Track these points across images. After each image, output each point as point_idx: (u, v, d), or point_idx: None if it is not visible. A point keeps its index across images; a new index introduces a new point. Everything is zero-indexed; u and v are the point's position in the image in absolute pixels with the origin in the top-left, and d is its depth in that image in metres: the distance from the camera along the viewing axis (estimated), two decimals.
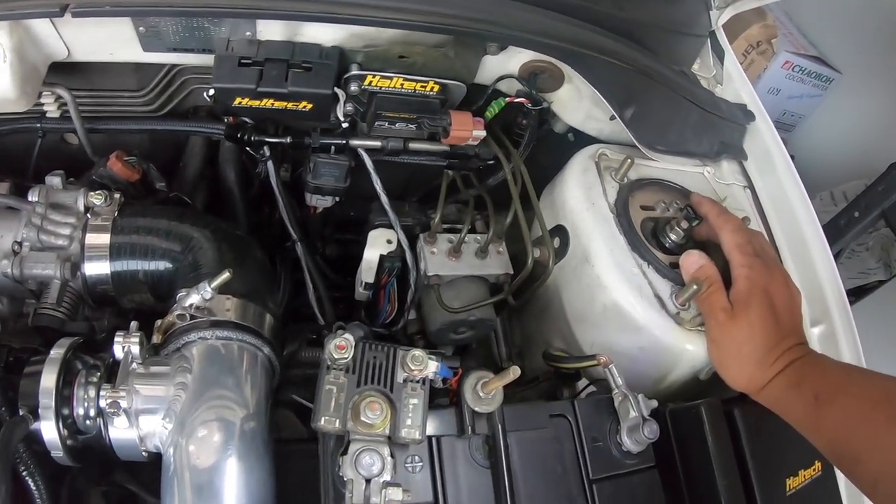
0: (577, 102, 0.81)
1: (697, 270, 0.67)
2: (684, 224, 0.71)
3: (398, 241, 0.78)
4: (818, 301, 0.83)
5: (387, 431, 0.48)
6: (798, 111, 2.11)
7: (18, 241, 0.65)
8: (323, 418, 0.49)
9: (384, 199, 0.77)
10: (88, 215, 0.66)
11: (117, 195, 0.68)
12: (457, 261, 0.77)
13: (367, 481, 0.45)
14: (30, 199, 0.67)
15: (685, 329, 0.66)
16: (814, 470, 0.70)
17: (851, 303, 1.55)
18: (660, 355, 0.67)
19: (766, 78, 2.00)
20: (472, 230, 0.80)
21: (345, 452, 0.46)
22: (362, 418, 0.48)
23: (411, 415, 0.50)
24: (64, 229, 0.66)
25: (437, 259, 0.76)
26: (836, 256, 1.46)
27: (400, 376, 0.52)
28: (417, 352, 0.52)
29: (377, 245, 0.77)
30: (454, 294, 0.75)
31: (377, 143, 0.76)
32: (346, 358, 0.50)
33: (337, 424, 0.49)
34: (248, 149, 0.76)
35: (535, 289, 0.76)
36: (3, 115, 0.72)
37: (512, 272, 0.78)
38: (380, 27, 0.67)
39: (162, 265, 0.65)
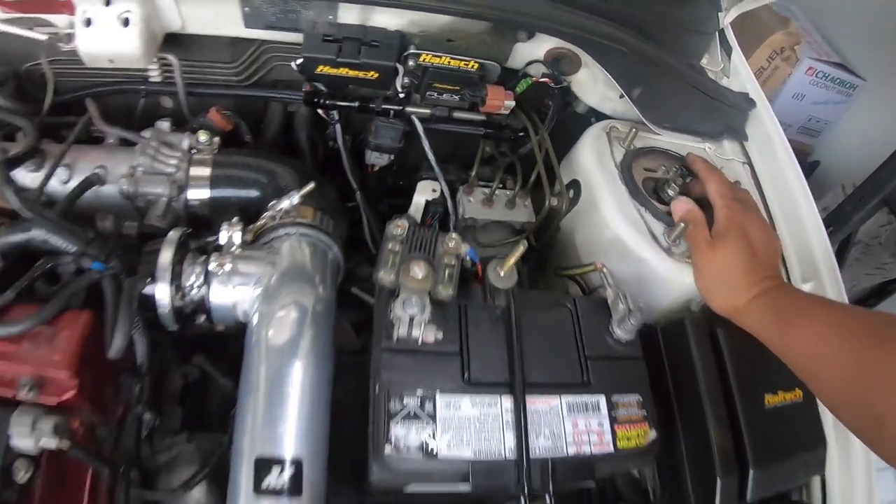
0: (592, 85, 1.00)
1: (685, 213, 0.83)
2: (679, 180, 0.88)
3: (441, 191, 0.96)
4: (809, 260, 0.96)
5: (428, 287, 0.66)
6: (823, 117, 2.24)
7: (134, 165, 0.85)
8: (382, 272, 0.67)
9: (431, 156, 0.96)
10: (193, 152, 0.87)
11: (216, 138, 0.89)
12: (489, 209, 0.95)
13: (411, 320, 0.63)
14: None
15: (675, 260, 0.82)
16: (794, 395, 0.83)
17: (874, 304, 1.67)
18: (654, 283, 0.83)
19: (790, 83, 2.15)
20: (503, 187, 0.98)
21: (395, 298, 0.64)
22: (410, 274, 0.65)
23: (446, 279, 0.68)
24: (172, 160, 0.85)
25: (473, 206, 0.94)
26: (846, 243, 1.57)
27: (440, 251, 0.70)
28: (454, 235, 0.70)
29: (424, 192, 0.96)
30: (486, 235, 0.93)
31: (427, 111, 0.96)
32: (401, 234, 0.68)
33: (392, 277, 0.67)
34: (319, 112, 0.97)
35: (552, 230, 0.94)
36: (112, 73, 0.93)
37: (534, 221, 0.95)
38: (432, 13, 0.88)
39: (252, 193, 0.85)
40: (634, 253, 0.83)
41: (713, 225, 0.80)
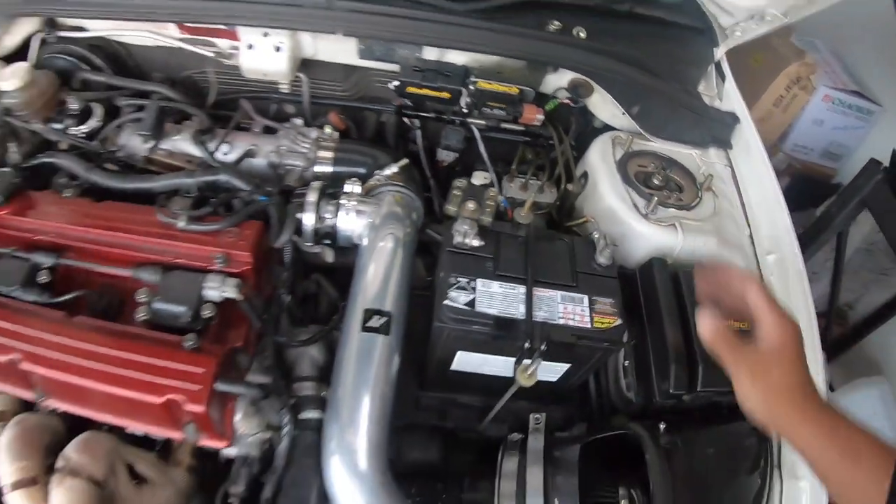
0: (603, 105, 1.38)
1: (713, 338, 0.80)
2: (662, 172, 1.24)
3: (491, 179, 1.35)
4: (775, 238, 1.26)
5: (476, 216, 1.05)
6: (844, 142, 2.47)
7: (278, 146, 1.28)
8: (449, 205, 1.08)
9: (484, 154, 1.35)
10: (319, 140, 1.30)
11: (335, 133, 1.32)
12: (524, 192, 1.33)
13: (464, 236, 1.01)
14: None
15: (649, 223, 1.17)
16: (743, 323, 1.13)
17: (888, 316, 1.90)
18: (634, 239, 1.18)
19: (809, 110, 2.41)
20: (536, 178, 1.37)
21: (456, 220, 1.03)
22: (465, 206, 1.05)
23: (487, 212, 1.08)
24: (306, 144, 1.29)
25: (513, 189, 1.33)
26: (841, 244, 1.78)
27: (485, 199, 1.10)
28: (493, 191, 1.10)
29: (478, 179, 1.35)
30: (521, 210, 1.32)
31: (482, 122, 1.37)
32: (461, 185, 1.08)
33: (454, 209, 1.07)
34: (405, 120, 1.40)
35: (570, 204, 1.31)
36: (254, 83, 1.38)
37: (558, 201, 1.33)
38: (487, 55, 1.30)
39: (360, 169, 1.26)
40: (621, 217, 1.19)
41: (756, 333, 0.78)
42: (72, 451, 0.97)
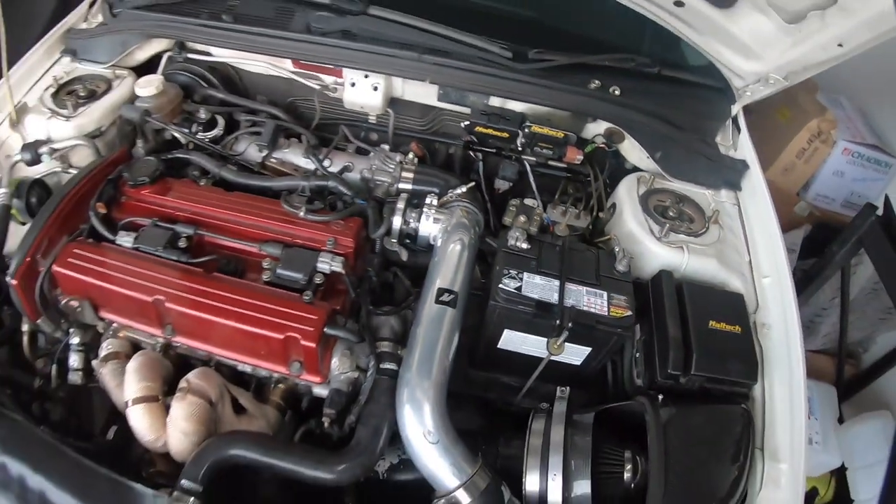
0: (632, 150, 1.72)
1: None
2: (676, 206, 1.56)
3: (538, 205, 1.68)
4: (772, 264, 1.54)
5: (525, 227, 1.40)
6: (863, 192, 2.70)
7: (371, 165, 1.66)
8: (506, 217, 1.44)
9: (534, 185, 1.69)
10: (403, 163, 1.67)
11: (416, 159, 1.69)
12: (564, 217, 1.66)
13: (515, 240, 1.36)
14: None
15: (661, 243, 1.49)
16: (734, 327, 1.41)
17: None
18: (648, 256, 1.49)
19: (829, 162, 2.66)
20: (574, 207, 1.70)
21: (511, 229, 1.38)
22: (518, 219, 1.40)
23: (533, 225, 1.43)
24: (391, 165, 1.65)
25: (555, 215, 1.66)
26: (843, 280, 2.01)
27: (533, 215, 1.45)
28: (539, 209, 1.45)
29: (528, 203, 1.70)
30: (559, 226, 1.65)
31: (533, 159, 1.72)
32: (516, 203, 1.44)
33: (510, 220, 1.44)
34: (470, 153, 1.76)
35: (600, 228, 1.64)
36: (347, 113, 1.78)
37: (590, 226, 1.66)
38: (539, 105, 1.66)
39: (434, 189, 1.63)
40: (638, 238, 1.51)
41: None
42: (193, 377, 1.30)
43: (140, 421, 1.27)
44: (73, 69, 1.84)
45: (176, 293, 1.31)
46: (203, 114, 1.71)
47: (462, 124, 1.71)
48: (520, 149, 1.71)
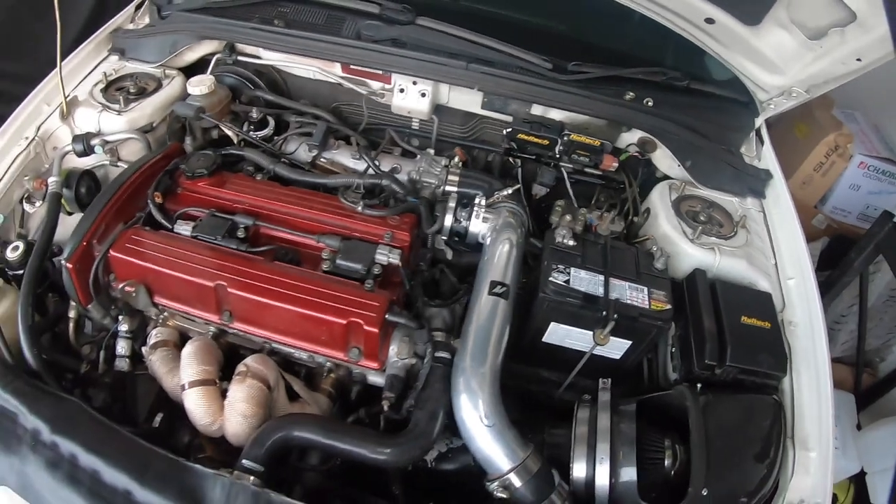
0: (663, 158, 1.83)
1: None
2: (706, 212, 1.67)
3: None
4: (796, 266, 1.66)
5: (571, 225, 1.50)
6: (879, 205, 2.81)
7: (417, 167, 1.76)
8: (553, 216, 1.57)
9: (570, 191, 1.81)
10: (448, 167, 1.78)
11: (460, 163, 1.80)
12: (601, 220, 1.77)
13: (563, 238, 1.47)
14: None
15: (695, 245, 1.59)
16: (764, 323, 1.51)
17: None
18: (682, 256, 1.60)
19: (846, 176, 2.80)
20: (609, 212, 1.81)
21: (558, 227, 1.49)
22: (564, 217, 1.51)
23: (578, 224, 1.54)
24: (438, 168, 1.76)
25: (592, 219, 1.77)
26: (861, 286, 2.12)
27: (577, 215, 1.56)
28: (583, 210, 1.55)
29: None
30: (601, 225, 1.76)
31: (570, 166, 1.83)
32: (561, 203, 1.55)
33: (556, 219, 1.55)
34: (510, 160, 1.88)
35: (634, 232, 1.75)
36: (391, 117, 1.90)
37: (625, 230, 1.76)
38: (579, 114, 1.78)
39: (479, 191, 1.73)
40: (673, 240, 1.62)
41: None
42: (252, 361, 1.37)
43: (197, 403, 1.33)
44: (121, 67, 1.98)
45: (239, 279, 1.39)
46: (255, 113, 1.83)
47: (504, 131, 1.82)
48: (557, 156, 1.82)
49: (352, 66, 1.88)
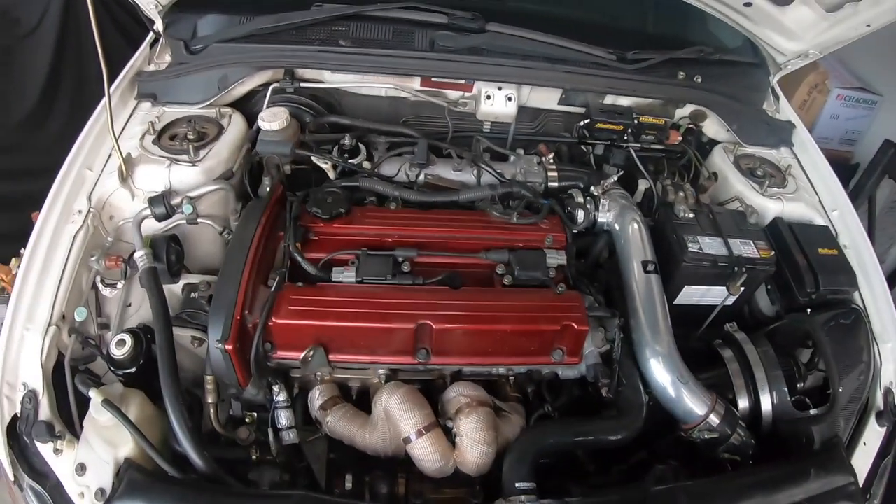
0: (710, 125, 2.17)
1: None
2: (760, 168, 2.04)
3: (650, 184, 2.07)
4: (834, 200, 2.07)
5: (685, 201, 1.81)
6: (856, 128, 3.48)
7: (518, 170, 1.97)
8: (669, 196, 1.83)
9: (642, 168, 2.08)
10: (544, 164, 1.98)
11: (551, 158, 2.03)
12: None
13: (683, 213, 1.77)
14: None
15: (766, 197, 1.96)
16: (833, 251, 1.86)
17: None
18: (760, 210, 1.95)
19: (826, 109, 3.39)
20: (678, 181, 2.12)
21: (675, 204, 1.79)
22: (678, 197, 1.81)
23: (689, 196, 1.84)
24: (534, 167, 1.95)
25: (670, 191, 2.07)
26: (870, 207, 2.66)
27: (686, 191, 1.87)
28: (688, 186, 1.86)
29: (642, 185, 2.08)
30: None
31: (638, 145, 2.11)
32: (672, 187, 1.85)
33: (672, 197, 1.83)
34: (582, 147, 2.12)
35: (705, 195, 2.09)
36: (468, 123, 2.08)
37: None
38: (644, 98, 2.06)
39: (578, 183, 1.96)
40: (748, 196, 1.97)
41: None
42: (467, 390, 1.42)
43: (430, 449, 1.36)
44: (160, 113, 1.88)
45: (443, 313, 1.43)
46: (348, 141, 1.84)
47: (581, 122, 2.05)
48: (627, 138, 2.08)
49: (433, 80, 1.98)
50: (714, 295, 1.80)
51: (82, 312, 1.47)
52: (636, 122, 2.05)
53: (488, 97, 1.98)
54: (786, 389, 1.65)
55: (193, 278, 1.65)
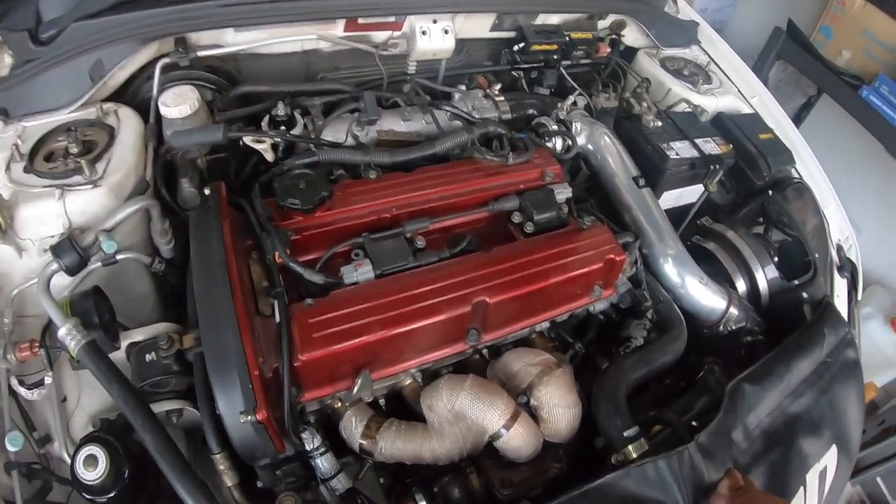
0: (629, 33, 2.31)
1: None
2: (688, 67, 2.25)
3: (587, 100, 2.19)
4: (750, 87, 2.34)
5: (650, 111, 1.94)
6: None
7: (469, 106, 1.97)
8: (635, 108, 1.94)
9: (575, 86, 2.20)
10: (491, 97, 2.00)
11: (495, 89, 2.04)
12: (609, 101, 2.21)
13: (650, 122, 1.91)
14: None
15: (703, 95, 2.18)
16: (769, 135, 2.13)
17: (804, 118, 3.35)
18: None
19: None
20: (607, 91, 2.26)
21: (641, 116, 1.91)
22: (643, 108, 1.93)
23: (652, 105, 1.98)
24: (484, 101, 1.94)
25: (602, 101, 2.19)
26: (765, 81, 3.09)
27: (646, 101, 2.00)
28: (646, 96, 1.99)
29: (581, 101, 2.19)
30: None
31: (568, 62, 2.20)
32: (633, 101, 1.96)
33: (637, 108, 1.94)
34: (513, 73, 2.17)
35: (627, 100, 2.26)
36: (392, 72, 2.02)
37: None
38: (571, 13, 2.15)
39: (533, 111, 2.02)
40: (686, 96, 2.17)
41: None
42: (530, 357, 1.39)
43: (525, 435, 1.33)
44: (20, 131, 1.51)
45: (492, 284, 1.36)
46: (282, 111, 1.66)
47: (516, 47, 2.08)
48: (556, 57, 2.16)
49: (359, 21, 1.83)
50: (688, 195, 1.98)
51: (16, 439, 1.16)
52: (568, 39, 2.13)
53: (424, 32, 1.90)
54: (773, 265, 1.88)
55: (136, 335, 1.35)
